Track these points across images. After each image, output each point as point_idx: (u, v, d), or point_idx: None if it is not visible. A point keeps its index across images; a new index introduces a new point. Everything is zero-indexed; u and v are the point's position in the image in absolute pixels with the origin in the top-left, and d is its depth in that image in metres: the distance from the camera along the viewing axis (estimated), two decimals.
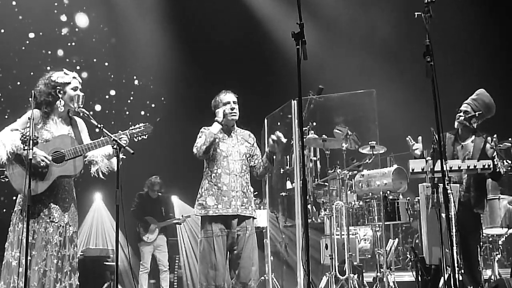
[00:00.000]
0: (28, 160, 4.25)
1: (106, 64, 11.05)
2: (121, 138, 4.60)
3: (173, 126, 10.69)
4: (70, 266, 4.57)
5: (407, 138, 5.77)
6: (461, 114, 5.76)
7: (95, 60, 10.93)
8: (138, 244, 8.76)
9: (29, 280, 4.33)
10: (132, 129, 4.73)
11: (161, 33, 10.85)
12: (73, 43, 10.72)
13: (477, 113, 5.67)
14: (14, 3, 10.14)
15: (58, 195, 4.61)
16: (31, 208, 4.39)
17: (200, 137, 5.20)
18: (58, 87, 4.68)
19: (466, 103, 5.82)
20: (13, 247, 4.46)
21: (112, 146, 4.54)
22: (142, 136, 4.75)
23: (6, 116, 9.32)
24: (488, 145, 5.55)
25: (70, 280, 4.55)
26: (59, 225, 4.54)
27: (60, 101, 4.68)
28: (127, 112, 11.35)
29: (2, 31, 10.07)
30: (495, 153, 5.34)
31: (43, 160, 4.47)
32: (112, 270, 9.00)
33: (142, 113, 11.43)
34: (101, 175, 4.82)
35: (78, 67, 10.46)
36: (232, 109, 5.24)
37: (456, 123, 5.84)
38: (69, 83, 4.71)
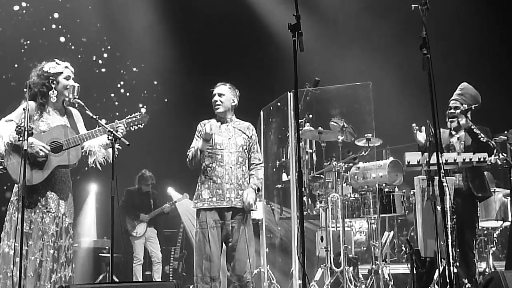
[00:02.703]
0: (23, 150, 4.23)
1: (97, 54, 10.95)
2: (118, 127, 4.60)
3: (168, 118, 10.66)
4: (65, 257, 4.57)
5: (413, 125, 5.77)
6: (452, 111, 5.81)
7: (88, 47, 10.84)
8: (130, 238, 8.77)
9: (26, 270, 4.34)
10: (129, 118, 4.72)
11: (157, 23, 10.77)
12: (64, 30, 10.57)
13: (473, 106, 5.69)
14: None
15: (55, 185, 4.61)
16: (28, 198, 4.40)
17: (194, 140, 5.24)
18: (51, 78, 4.68)
19: (454, 100, 5.86)
20: (9, 237, 4.46)
21: (108, 138, 4.53)
22: (138, 125, 4.74)
23: None
24: (463, 121, 5.62)
25: (65, 271, 4.55)
26: (55, 215, 4.55)
27: (53, 91, 4.68)
28: (122, 102, 11.27)
29: None
30: (470, 123, 5.45)
31: (41, 150, 4.46)
32: (107, 261, 9.04)
33: (138, 103, 11.37)
34: (98, 166, 4.82)
35: (70, 55, 10.41)
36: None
37: (449, 123, 5.88)
38: (61, 73, 4.71)
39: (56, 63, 4.75)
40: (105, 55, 11.02)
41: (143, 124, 4.76)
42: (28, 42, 10.07)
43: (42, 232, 4.48)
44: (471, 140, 5.63)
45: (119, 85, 11.29)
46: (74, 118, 4.85)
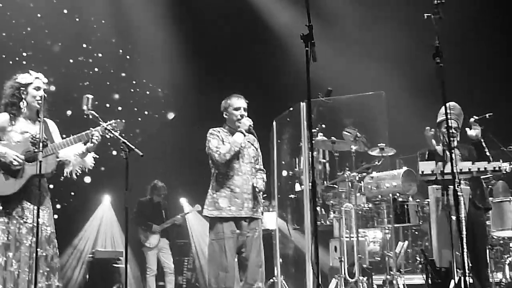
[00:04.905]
0: (38, 161, 4.22)
1: (112, 67, 11.01)
2: (93, 134, 4.55)
3: (180, 128, 10.69)
4: (48, 266, 4.48)
5: (427, 128, 5.73)
6: (453, 131, 5.74)
7: (102, 60, 10.92)
8: (142, 249, 8.76)
9: (6, 282, 4.31)
10: (104, 125, 4.61)
11: (168, 35, 10.81)
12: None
13: (487, 115, 5.65)
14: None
15: (32, 195, 4.52)
16: (4, 208, 4.41)
17: (213, 139, 5.17)
18: (22, 88, 4.66)
19: (453, 120, 5.77)
20: None
21: (121, 148, 4.49)
22: (114, 132, 4.62)
23: None
24: (477, 130, 5.57)
25: (49, 281, 4.46)
26: (33, 225, 4.44)
27: (23, 101, 4.67)
28: (133, 113, 11.33)
29: None
30: (478, 131, 5.42)
31: (15, 159, 4.45)
32: (121, 272, 9.05)
33: (150, 113, 11.43)
34: (74, 176, 4.76)
35: (85, 69, 10.51)
36: (242, 116, 5.25)
37: (455, 142, 5.80)
38: (31, 83, 4.67)
39: (30, 74, 4.72)
40: (118, 66, 11.09)
41: (119, 131, 4.65)
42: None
43: (19, 242, 4.41)
44: (471, 152, 5.59)
45: (130, 97, 11.35)
46: (49, 128, 4.78)
